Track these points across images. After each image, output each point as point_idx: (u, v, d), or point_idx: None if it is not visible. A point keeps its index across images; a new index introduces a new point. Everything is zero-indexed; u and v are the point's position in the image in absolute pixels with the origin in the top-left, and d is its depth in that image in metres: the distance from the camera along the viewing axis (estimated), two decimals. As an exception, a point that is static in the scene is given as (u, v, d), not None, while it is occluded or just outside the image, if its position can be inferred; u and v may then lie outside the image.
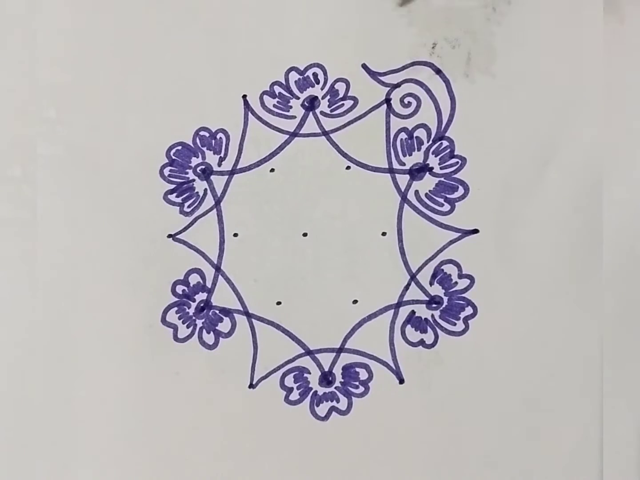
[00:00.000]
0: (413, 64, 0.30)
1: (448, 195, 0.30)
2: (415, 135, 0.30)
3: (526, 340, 0.29)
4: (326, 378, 0.30)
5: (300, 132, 0.30)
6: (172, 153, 0.31)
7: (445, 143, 0.30)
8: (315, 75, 0.30)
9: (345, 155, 0.30)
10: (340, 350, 0.30)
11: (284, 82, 0.30)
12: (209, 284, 0.30)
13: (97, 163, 0.30)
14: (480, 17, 0.30)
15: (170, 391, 0.30)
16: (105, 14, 0.31)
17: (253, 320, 0.30)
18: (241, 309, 0.30)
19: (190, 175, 0.31)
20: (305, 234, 0.30)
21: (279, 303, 0.30)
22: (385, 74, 0.30)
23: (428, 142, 0.30)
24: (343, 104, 0.30)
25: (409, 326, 0.29)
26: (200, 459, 0.29)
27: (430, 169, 0.30)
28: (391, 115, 0.30)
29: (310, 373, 0.30)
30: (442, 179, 0.30)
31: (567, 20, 0.29)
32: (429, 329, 0.29)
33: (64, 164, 0.30)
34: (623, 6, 0.29)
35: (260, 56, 0.30)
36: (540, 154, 0.29)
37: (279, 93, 0.30)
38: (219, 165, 0.30)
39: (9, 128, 0.31)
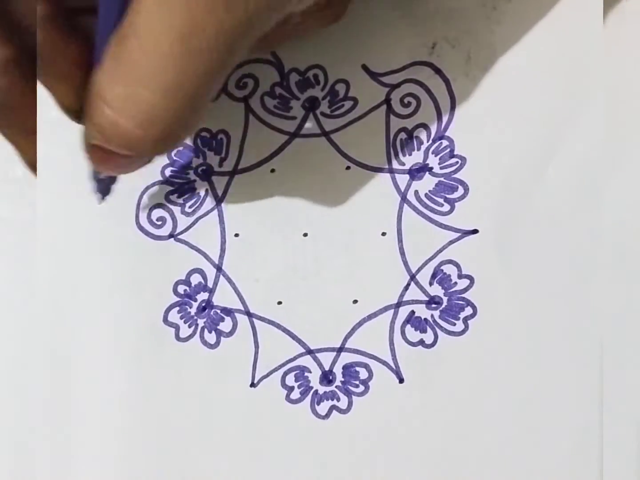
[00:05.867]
0: (413, 64, 0.30)
1: (448, 195, 0.30)
2: (415, 135, 0.30)
3: (526, 341, 0.29)
4: (327, 377, 0.30)
5: (301, 132, 0.30)
6: (173, 154, 0.31)
7: (445, 143, 0.30)
8: (315, 76, 0.30)
9: (345, 155, 0.30)
10: (340, 349, 0.30)
11: (284, 83, 0.30)
12: (210, 284, 0.30)
13: (98, 164, 0.31)
14: (480, 16, 0.30)
15: (172, 390, 0.30)
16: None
17: (254, 319, 0.30)
18: (242, 308, 0.30)
19: (192, 175, 0.31)
20: (305, 234, 0.30)
21: (279, 303, 0.30)
22: (385, 74, 0.30)
23: (428, 141, 0.30)
24: (343, 105, 0.30)
25: (408, 326, 0.29)
26: (202, 457, 0.30)
27: (430, 169, 0.30)
28: (391, 115, 0.30)
29: (310, 372, 0.30)
30: (442, 178, 0.30)
31: (568, 18, 0.29)
32: (428, 329, 0.29)
33: (65, 164, 0.30)
34: (624, 4, 0.29)
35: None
36: (540, 153, 0.29)
37: (280, 94, 0.30)
38: (220, 166, 0.31)
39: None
